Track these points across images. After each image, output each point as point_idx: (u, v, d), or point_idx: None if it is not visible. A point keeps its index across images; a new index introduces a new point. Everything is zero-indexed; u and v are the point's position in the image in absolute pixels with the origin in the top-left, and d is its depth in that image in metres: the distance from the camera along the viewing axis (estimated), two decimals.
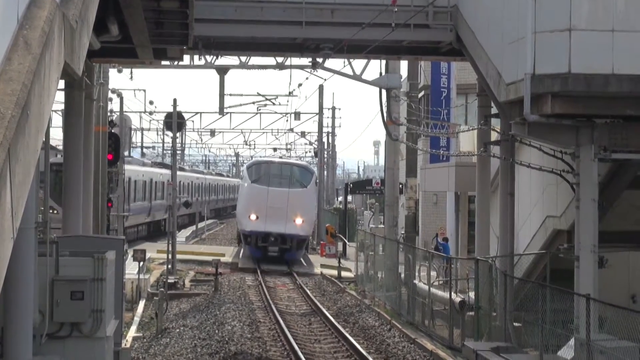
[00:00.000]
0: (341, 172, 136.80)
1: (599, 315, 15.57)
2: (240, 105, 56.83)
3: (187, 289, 32.53)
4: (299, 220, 41.37)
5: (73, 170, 19.27)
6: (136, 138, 67.90)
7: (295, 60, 23.80)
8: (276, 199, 40.97)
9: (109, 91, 30.22)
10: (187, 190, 66.82)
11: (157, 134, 75.02)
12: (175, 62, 23.06)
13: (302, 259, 44.23)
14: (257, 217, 41.29)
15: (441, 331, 22.70)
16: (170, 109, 37.75)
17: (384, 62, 27.30)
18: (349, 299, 30.96)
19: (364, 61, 24.07)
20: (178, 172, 56.55)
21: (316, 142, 65.08)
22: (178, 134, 38.40)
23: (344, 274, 37.39)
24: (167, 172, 57.35)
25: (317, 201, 50.52)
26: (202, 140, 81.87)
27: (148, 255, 31.41)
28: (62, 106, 21.98)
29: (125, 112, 36.37)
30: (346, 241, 47.70)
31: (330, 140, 68.84)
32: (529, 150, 20.33)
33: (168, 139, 57.71)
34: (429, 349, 20.66)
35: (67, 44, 8.35)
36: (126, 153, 39.26)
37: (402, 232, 34.71)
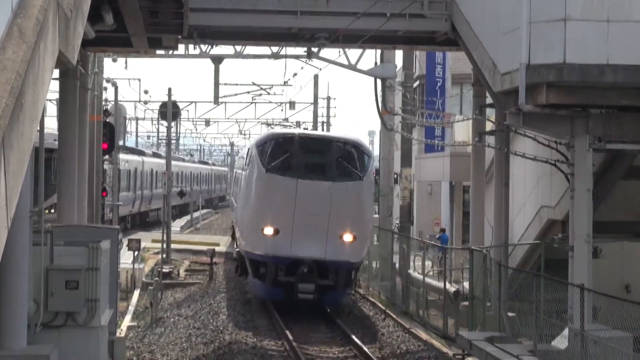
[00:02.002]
0: None
1: (593, 305, 15.60)
2: (235, 94, 56.54)
3: (181, 278, 32.53)
4: (348, 237, 23.88)
5: (67, 160, 19.25)
6: (131, 127, 67.78)
7: (290, 50, 23.76)
8: (311, 201, 23.52)
9: (104, 80, 30.16)
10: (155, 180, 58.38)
11: (152, 124, 74.92)
12: (170, 52, 23.02)
13: None
14: (277, 232, 23.88)
15: (435, 321, 22.74)
16: (165, 99, 37.74)
17: (379, 51, 27.32)
18: None
19: (359, 51, 24.05)
20: (151, 159, 55.75)
21: None
22: (173, 124, 38.33)
23: None
24: (152, 160, 56.54)
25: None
26: (196, 130, 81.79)
27: (143, 244, 31.40)
28: (57, 95, 21.95)
29: (120, 101, 36.30)
30: None
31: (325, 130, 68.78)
32: (524, 140, 20.33)
33: (163, 129, 57.38)
34: (423, 339, 20.70)
35: (62, 33, 8.33)
36: (120, 142, 39.20)
37: (397, 222, 34.72)
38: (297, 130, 29.24)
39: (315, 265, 23.76)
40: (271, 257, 24.04)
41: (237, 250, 28.88)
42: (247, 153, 27.49)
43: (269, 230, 24.00)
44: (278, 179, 23.81)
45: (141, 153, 54.41)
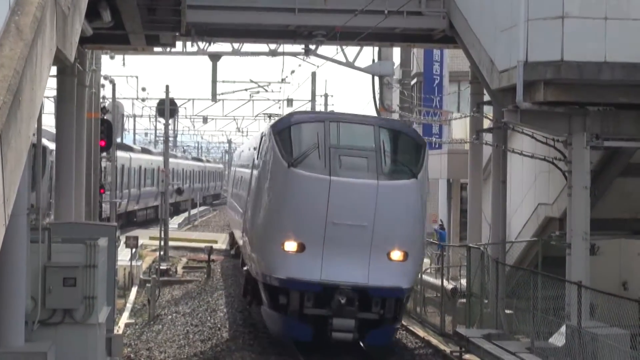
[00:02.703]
0: None
1: (590, 302, 15.62)
2: (233, 92, 56.71)
3: (179, 275, 32.52)
4: (398, 254, 17.80)
5: (65, 157, 19.25)
6: (128, 125, 67.73)
7: (288, 47, 23.82)
8: (349, 206, 17.57)
9: (101, 77, 30.15)
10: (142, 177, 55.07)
11: (150, 121, 74.93)
12: (168, 49, 23.03)
13: None
14: (303, 248, 17.76)
15: (433, 318, 22.74)
16: (163, 96, 37.72)
17: (376, 49, 27.31)
18: None
19: (356, 48, 24.09)
20: (140, 155, 54.10)
21: None
22: (170, 121, 38.34)
23: None
24: (140, 156, 54.81)
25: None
26: (194, 127, 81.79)
27: (140, 242, 31.40)
28: (54, 92, 21.95)
29: (118, 98, 36.29)
30: None
31: None
32: (522, 137, 20.34)
33: (160, 126, 57.04)
34: (420, 336, 20.71)
35: (59, 30, 8.33)
36: (118, 140, 39.18)
37: None
38: (328, 113, 21.38)
39: (356, 293, 17.39)
40: (295, 283, 17.54)
41: (245, 269, 21.43)
42: (260, 142, 20.12)
43: (291, 246, 17.65)
44: (304, 177, 17.49)
45: (128, 149, 51.41)
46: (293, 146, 18.13)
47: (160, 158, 58.98)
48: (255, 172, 20.05)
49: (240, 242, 23.44)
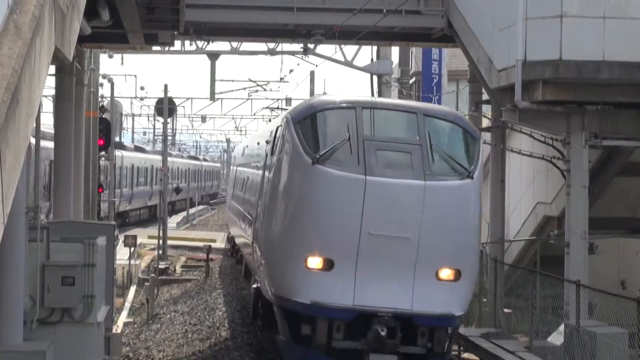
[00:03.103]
0: None
1: (589, 301, 15.63)
2: (232, 91, 56.56)
3: (178, 274, 32.52)
4: (446, 272, 14.11)
5: (64, 156, 19.24)
6: (127, 124, 67.67)
7: (287, 46, 23.80)
8: (388, 212, 13.85)
9: (100, 76, 30.16)
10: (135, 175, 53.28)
11: (148, 120, 74.90)
12: (167, 48, 23.01)
13: None
14: (331, 265, 13.98)
15: None
16: (162, 95, 37.74)
17: (375, 48, 27.32)
18: None
19: (355, 47, 24.08)
20: (132, 153, 53.19)
21: None
22: (169, 120, 38.34)
23: None
24: (133, 154, 53.47)
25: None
26: (193, 126, 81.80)
27: (139, 240, 31.40)
28: (53, 91, 21.94)
29: (116, 97, 36.32)
30: None
31: None
32: (520, 136, 20.35)
33: (159, 125, 56.68)
34: None
35: (58, 29, 8.33)
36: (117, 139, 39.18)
37: None
38: (360, 97, 15.67)
39: (397, 322, 13.84)
40: (321, 309, 13.89)
41: (254, 286, 17.38)
42: (274, 135, 16.71)
43: (316, 262, 13.99)
44: (332, 177, 13.88)
45: (120, 147, 48.90)
46: (318, 138, 14.53)
47: (154, 157, 58.91)
48: (268, 171, 16.56)
49: (246, 252, 20.51)
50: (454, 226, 14.04)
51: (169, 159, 60.22)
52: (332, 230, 13.89)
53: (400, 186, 13.79)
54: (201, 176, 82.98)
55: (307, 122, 14.64)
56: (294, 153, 14.44)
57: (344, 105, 14.69)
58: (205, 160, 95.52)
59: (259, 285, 16.41)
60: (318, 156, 13.91)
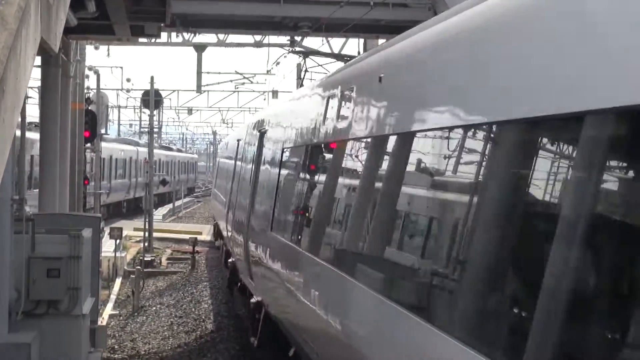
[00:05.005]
0: None
1: None
2: (218, 83, 56.62)
3: (163, 267, 32.50)
4: None
5: (49, 148, 19.17)
6: (113, 116, 67.53)
7: (274, 39, 23.80)
8: None
9: (86, 68, 30.05)
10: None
11: (135, 112, 74.81)
12: (153, 40, 22.97)
13: None
14: None
15: None
16: (148, 87, 37.65)
17: (362, 40, 27.31)
18: None
19: (342, 40, 24.07)
20: (110, 144, 52.07)
21: None
22: (155, 112, 38.28)
23: None
24: (111, 145, 52.26)
25: None
26: (179, 118, 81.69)
27: (125, 233, 31.34)
28: (39, 83, 21.85)
29: (102, 89, 36.16)
30: None
31: None
32: None
33: (145, 117, 56.37)
34: None
35: (44, 20, 8.29)
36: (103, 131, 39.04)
37: None
38: None
39: None
40: None
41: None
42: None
43: None
44: None
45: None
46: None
47: (132, 147, 57.21)
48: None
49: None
50: None
51: (131, 147, 56.91)
52: None
53: None
54: (175, 168, 75.50)
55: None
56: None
57: None
58: (179, 150, 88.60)
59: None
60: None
